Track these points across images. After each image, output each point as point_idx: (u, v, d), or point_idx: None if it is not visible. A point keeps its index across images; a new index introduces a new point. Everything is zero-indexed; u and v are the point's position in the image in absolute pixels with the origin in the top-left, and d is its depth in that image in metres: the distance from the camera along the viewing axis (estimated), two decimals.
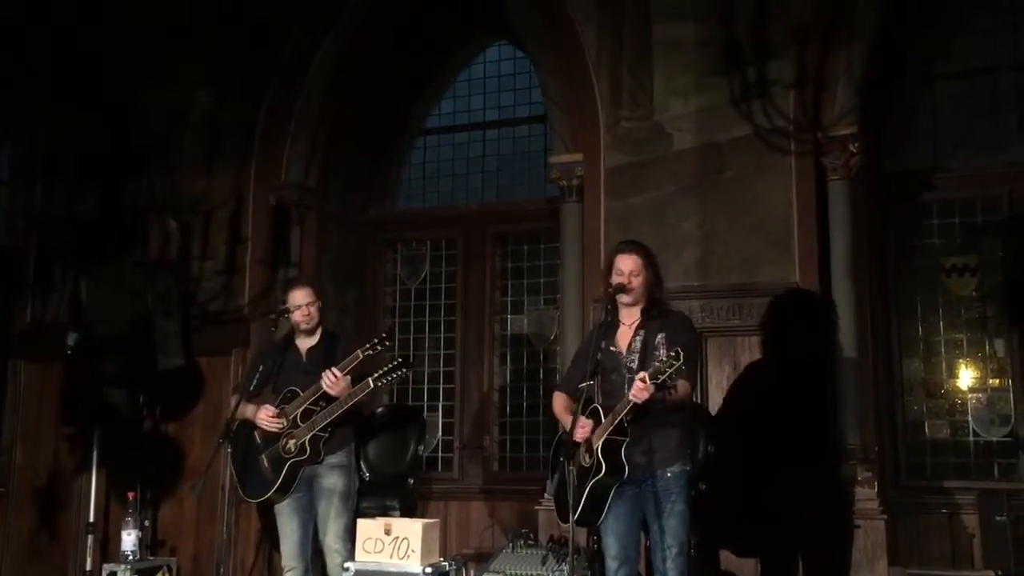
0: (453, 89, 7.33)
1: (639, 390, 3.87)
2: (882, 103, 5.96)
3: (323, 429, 4.64)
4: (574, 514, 3.91)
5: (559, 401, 4.42)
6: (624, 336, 4.25)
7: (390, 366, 4.57)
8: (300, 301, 4.85)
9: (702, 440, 4.86)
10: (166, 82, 6.94)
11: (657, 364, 3.85)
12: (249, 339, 6.49)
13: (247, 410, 4.82)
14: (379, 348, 4.60)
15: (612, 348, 4.24)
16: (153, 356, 6.08)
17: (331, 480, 4.72)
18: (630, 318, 4.27)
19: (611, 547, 4.14)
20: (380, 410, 5.98)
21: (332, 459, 4.73)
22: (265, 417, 4.72)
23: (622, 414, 4.00)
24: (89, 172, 7.10)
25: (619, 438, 4.05)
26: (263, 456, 4.73)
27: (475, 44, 7.26)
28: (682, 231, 5.68)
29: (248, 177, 6.74)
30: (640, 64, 5.95)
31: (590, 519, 4.11)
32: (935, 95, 6.11)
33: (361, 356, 4.55)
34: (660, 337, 4.13)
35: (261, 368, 4.85)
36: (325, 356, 4.77)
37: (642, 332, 4.20)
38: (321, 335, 4.93)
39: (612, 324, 4.30)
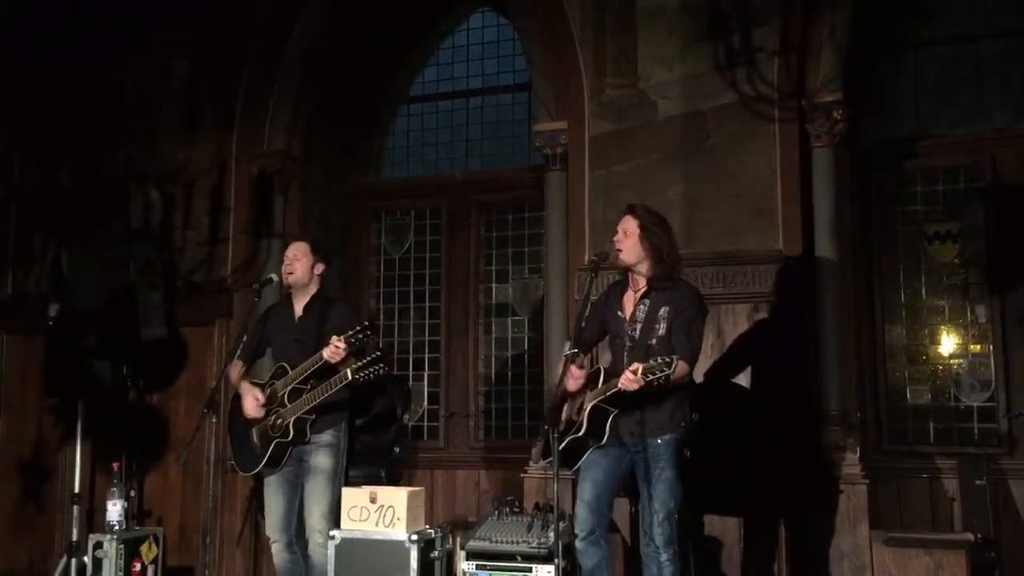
0: (436, 57, 7.26)
1: (628, 381, 3.87)
2: (865, 70, 5.95)
3: (308, 412, 4.61)
4: (555, 466, 3.90)
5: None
6: (630, 302, 4.23)
7: (369, 359, 4.41)
8: (286, 253, 4.82)
9: (687, 407, 4.87)
10: (142, 50, 6.84)
11: (652, 363, 3.82)
12: (232, 309, 6.47)
13: (234, 377, 4.82)
14: (362, 337, 4.38)
15: (619, 313, 4.23)
16: (136, 327, 6.05)
17: (318, 459, 4.69)
18: (637, 285, 4.24)
19: (585, 492, 4.17)
20: None
21: (321, 438, 4.69)
22: (250, 408, 4.71)
23: (607, 394, 4.02)
24: (67, 142, 7.01)
25: (608, 408, 4.06)
26: (254, 431, 4.73)
27: (458, 11, 7.18)
28: (666, 199, 5.65)
29: (230, 146, 6.68)
30: (624, 31, 5.90)
31: (565, 464, 4.13)
32: (918, 62, 6.09)
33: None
34: (664, 310, 4.10)
35: (246, 337, 4.83)
36: (317, 323, 4.69)
37: (646, 302, 4.16)
38: (313, 298, 4.82)
39: (623, 287, 4.28)
